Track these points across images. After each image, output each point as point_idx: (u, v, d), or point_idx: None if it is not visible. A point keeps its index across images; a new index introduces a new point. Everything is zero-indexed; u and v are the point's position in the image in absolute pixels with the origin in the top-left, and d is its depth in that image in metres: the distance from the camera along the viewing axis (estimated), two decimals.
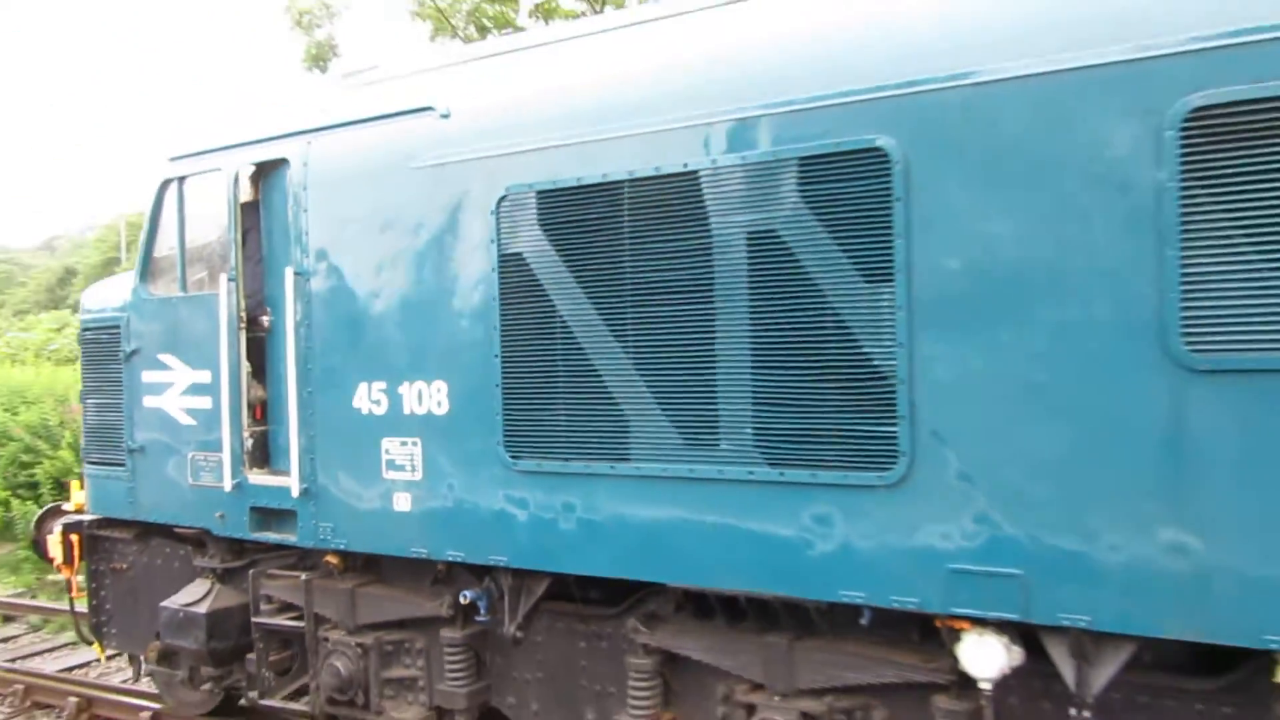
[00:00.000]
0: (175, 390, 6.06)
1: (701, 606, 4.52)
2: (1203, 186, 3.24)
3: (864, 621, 4.07)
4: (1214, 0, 3.26)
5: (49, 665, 8.53)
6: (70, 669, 8.38)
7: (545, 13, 16.92)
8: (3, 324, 38.13)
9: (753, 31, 4.24)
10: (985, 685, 3.73)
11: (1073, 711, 3.67)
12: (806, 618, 4.23)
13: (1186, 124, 3.24)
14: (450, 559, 4.96)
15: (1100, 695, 3.73)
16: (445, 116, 4.95)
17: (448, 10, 16.52)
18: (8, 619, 10.32)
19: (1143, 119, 3.32)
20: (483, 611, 5.08)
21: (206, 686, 6.30)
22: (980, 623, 3.70)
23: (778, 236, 3.99)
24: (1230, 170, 3.20)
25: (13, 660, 8.73)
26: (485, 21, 16.88)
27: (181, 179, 6.03)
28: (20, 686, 7.76)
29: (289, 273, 5.42)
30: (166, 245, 6.15)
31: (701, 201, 4.16)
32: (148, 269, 6.27)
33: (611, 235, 4.37)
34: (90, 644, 7.18)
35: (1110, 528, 3.41)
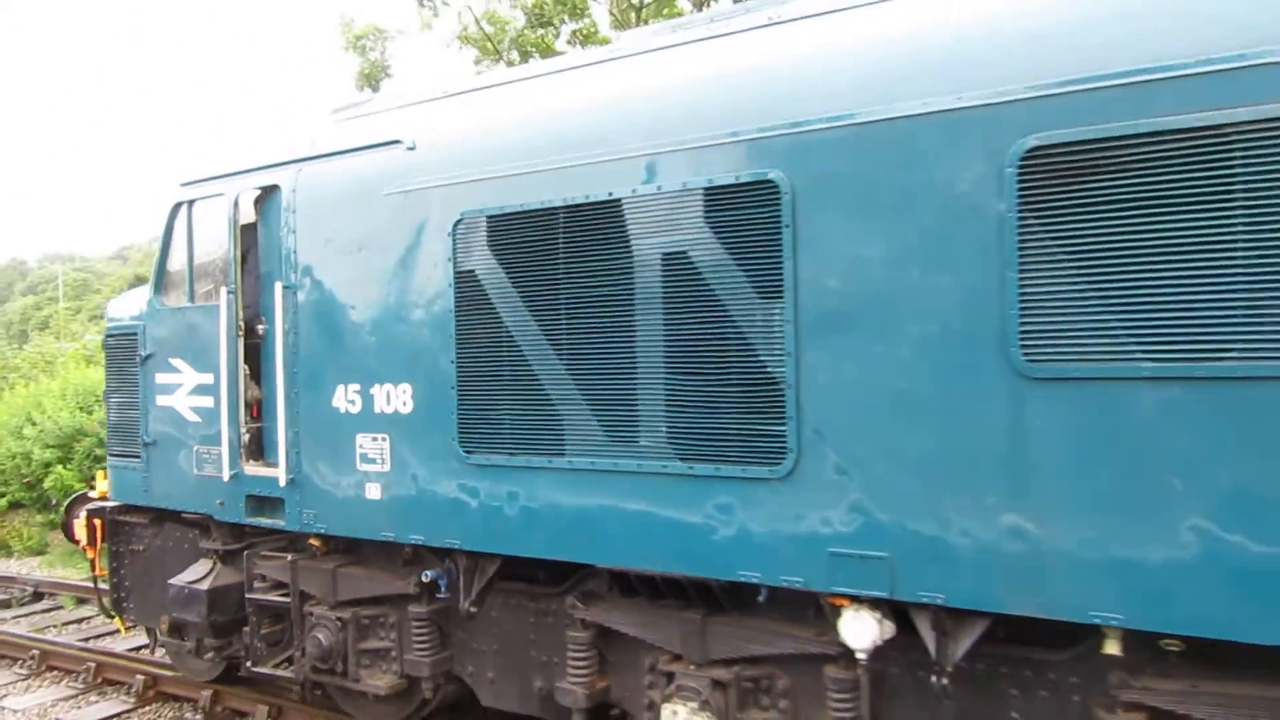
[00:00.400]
0: (183, 390, 6.72)
1: (631, 585, 5.05)
2: (1037, 217, 3.70)
3: (761, 599, 4.57)
4: (1047, 54, 3.72)
5: (119, 645, 9.07)
6: (138, 649, 8.76)
7: (583, 38, 17.51)
8: (79, 328, 39.88)
9: (667, 76, 4.77)
10: (861, 655, 4.22)
11: (934, 679, 4.15)
12: (728, 595, 4.74)
13: (1024, 162, 3.71)
14: (413, 542, 5.54)
15: (967, 666, 4.21)
16: (411, 149, 5.53)
17: (494, 37, 17.10)
18: (81, 601, 11.02)
19: (988, 157, 3.79)
20: (443, 589, 5.66)
21: (209, 656, 6.95)
22: (856, 600, 4.19)
23: (688, 258, 4.51)
24: (1060, 203, 3.66)
25: (85, 640, 9.30)
26: (529, 48, 17.43)
27: (190, 202, 6.69)
28: (92, 664, 8.27)
29: (278, 286, 6.04)
30: (178, 261, 6.82)
31: (624, 226, 4.69)
32: (161, 282, 6.94)
33: (549, 255, 4.92)
34: (112, 618, 7.88)
35: (961, 516, 3.88)
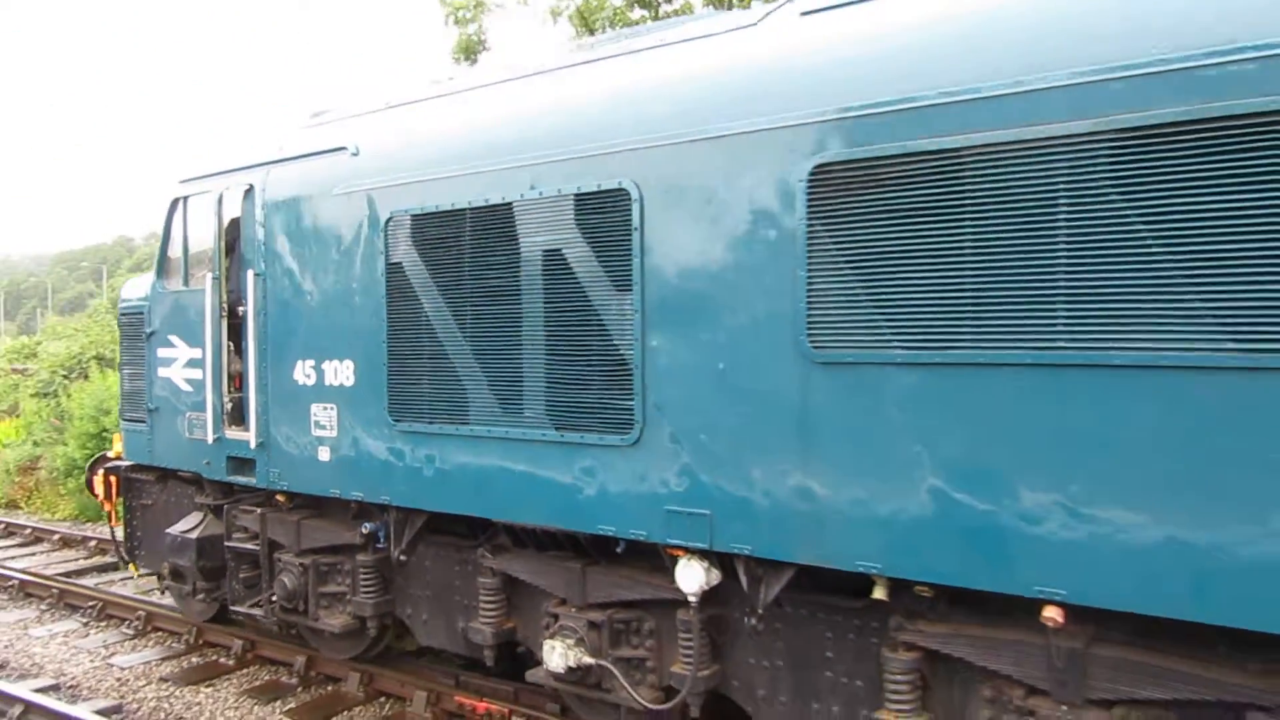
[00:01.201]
0: (179, 364, 7.70)
1: (537, 539, 5.82)
2: (821, 224, 4.32)
3: (619, 550, 5.30)
4: (828, 87, 4.33)
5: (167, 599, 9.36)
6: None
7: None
8: None
9: (550, 96, 5.48)
10: (692, 599, 4.92)
11: (749, 621, 4.83)
12: (605, 547, 5.47)
13: (811, 178, 4.33)
14: (354, 498, 6.40)
15: (785, 611, 4.89)
16: (355, 154, 6.35)
17: (588, 13, 16.61)
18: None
19: (785, 172, 4.42)
20: (380, 540, 6.51)
21: (200, 597, 7.95)
22: (688, 551, 4.89)
23: (561, 255, 5.23)
24: (838, 212, 4.27)
25: (146, 592, 9.89)
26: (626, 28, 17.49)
27: (185, 198, 7.64)
28: (194, 627, 8.48)
29: (250, 274, 6.94)
30: (176, 249, 7.78)
31: (514, 226, 5.42)
32: (163, 267, 7.92)
33: (458, 251, 5.69)
34: (127, 564, 8.97)
35: (763, 479, 4.54)
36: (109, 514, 8.96)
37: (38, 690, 7.17)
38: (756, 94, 4.58)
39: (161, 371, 7.88)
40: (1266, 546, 3.32)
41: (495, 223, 5.51)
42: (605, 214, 5.04)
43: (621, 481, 5.04)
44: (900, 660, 4.47)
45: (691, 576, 4.88)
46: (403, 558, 6.41)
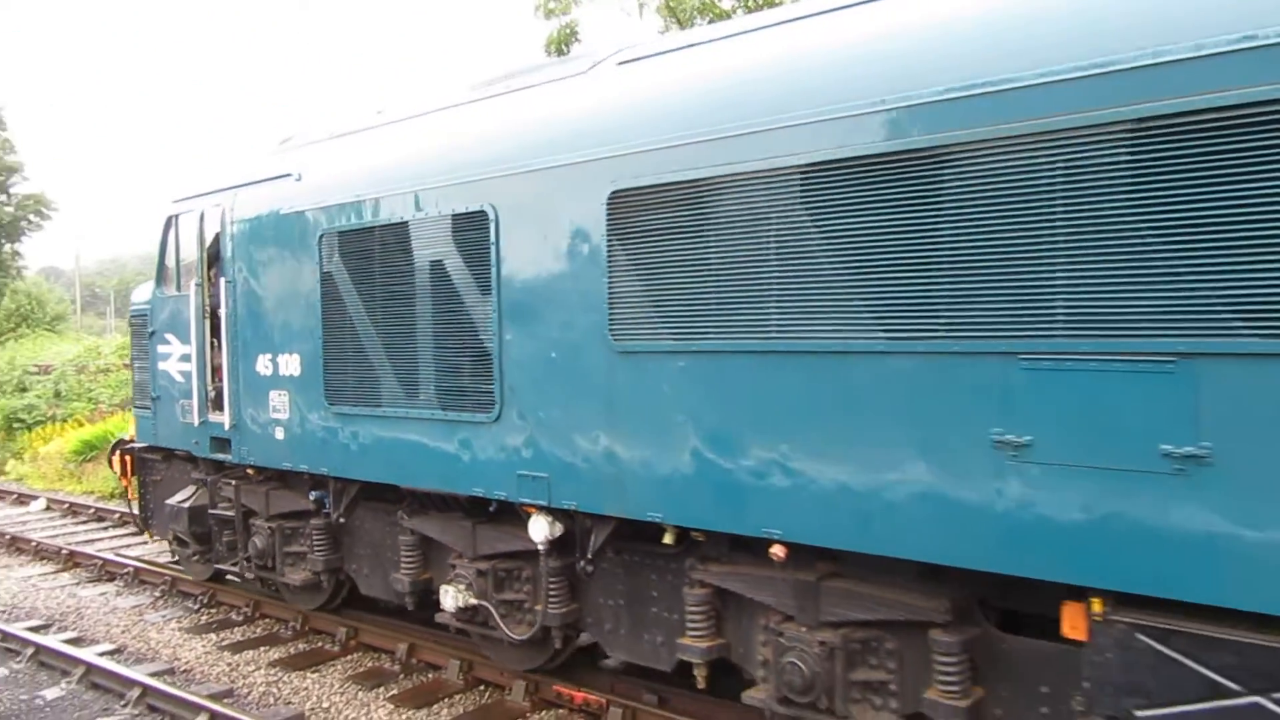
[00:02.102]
0: (174, 358, 9.03)
1: (438, 502, 6.94)
2: (618, 240, 5.33)
3: (492, 509, 6.39)
4: (622, 123, 5.33)
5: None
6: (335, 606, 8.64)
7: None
8: None
9: (437, 133, 6.59)
10: (541, 547, 5.99)
11: (581, 563, 5.88)
12: (490, 507, 6.56)
13: (611, 201, 5.34)
14: (303, 470, 7.61)
15: (622, 558, 5.93)
16: (298, 180, 7.54)
17: (676, 5, 16.35)
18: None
19: (593, 196, 5.43)
20: (327, 506, 7.72)
21: (195, 559, 9.30)
22: (536, 508, 5.96)
23: (443, 265, 6.32)
24: (628, 230, 5.28)
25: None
26: (714, 17, 17.45)
27: (176, 215, 8.96)
28: (301, 615, 8.68)
29: (223, 281, 8.21)
30: (170, 260, 9.11)
31: (410, 242, 6.54)
32: (161, 275, 9.26)
33: (371, 262, 6.83)
34: (143, 533, 10.40)
35: (584, 447, 5.57)
36: (126, 489, 10.40)
37: (154, 674, 7.47)
38: (579, 131, 5.60)
39: (161, 365, 9.24)
40: (901, 490, 4.26)
41: (397, 239, 6.64)
42: (472, 231, 6.12)
43: (487, 451, 6.13)
44: (695, 595, 5.47)
45: (538, 529, 5.95)
46: (342, 520, 7.62)
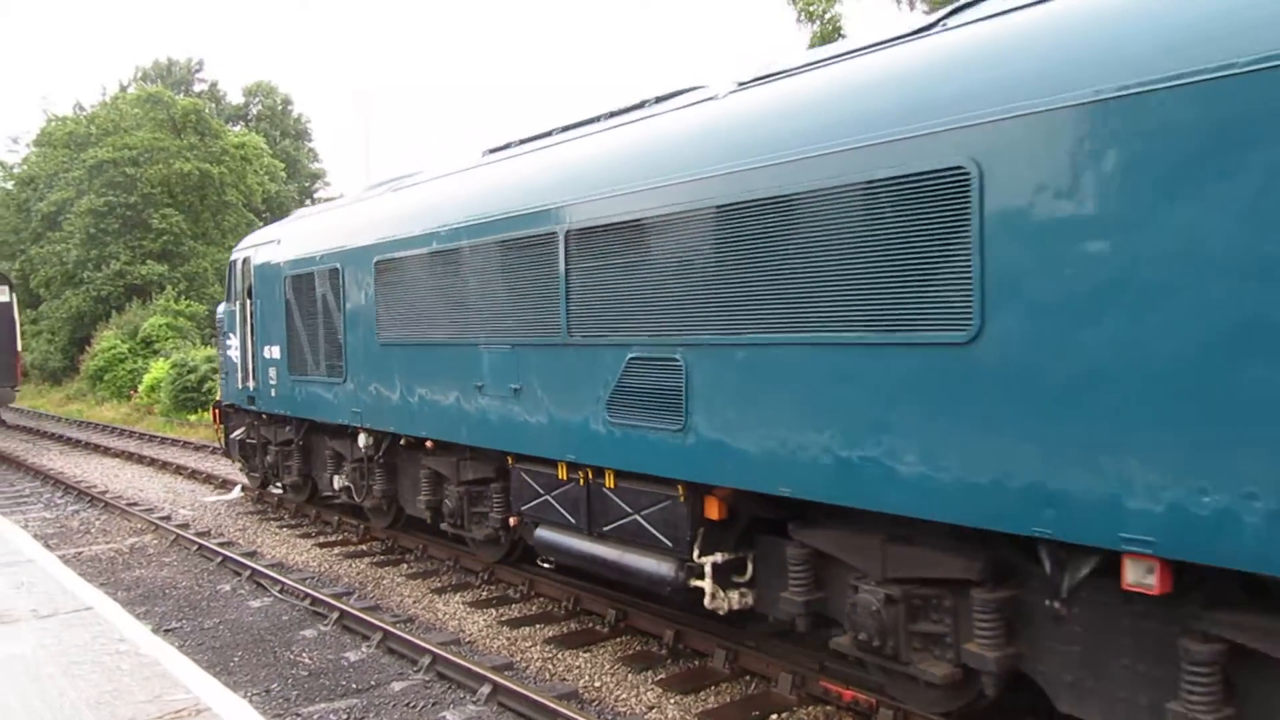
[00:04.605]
0: (234, 348, 14.68)
1: (341, 431, 12.10)
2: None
3: (349, 430, 11.45)
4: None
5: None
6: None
7: None
8: None
9: (337, 219, 11.67)
10: (367, 452, 10.97)
11: (380, 459, 10.80)
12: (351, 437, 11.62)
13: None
14: (282, 413, 12.95)
15: (396, 458, 10.83)
16: (279, 244, 12.86)
17: None
18: None
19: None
20: (299, 437, 13.05)
21: (252, 473, 14.96)
22: (362, 429, 10.95)
23: (326, 298, 11.37)
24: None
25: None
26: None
27: (234, 260, 14.60)
28: (574, 595, 9.03)
29: (249, 302, 13.71)
30: (234, 288, 14.77)
31: (314, 283, 11.64)
32: (229, 295, 14.95)
33: (301, 293, 12.00)
34: (231, 460, 16.24)
35: (374, 397, 10.45)
36: (217, 430, 16.31)
37: (441, 644, 7.86)
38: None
39: (227, 352, 14.95)
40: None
41: (307, 281, 11.78)
42: (333, 280, 11.13)
43: (341, 398, 11.15)
44: None
45: (361, 441, 10.92)
46: (301, 443, 12.94)
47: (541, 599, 9.38)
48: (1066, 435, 4.34)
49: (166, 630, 8.73)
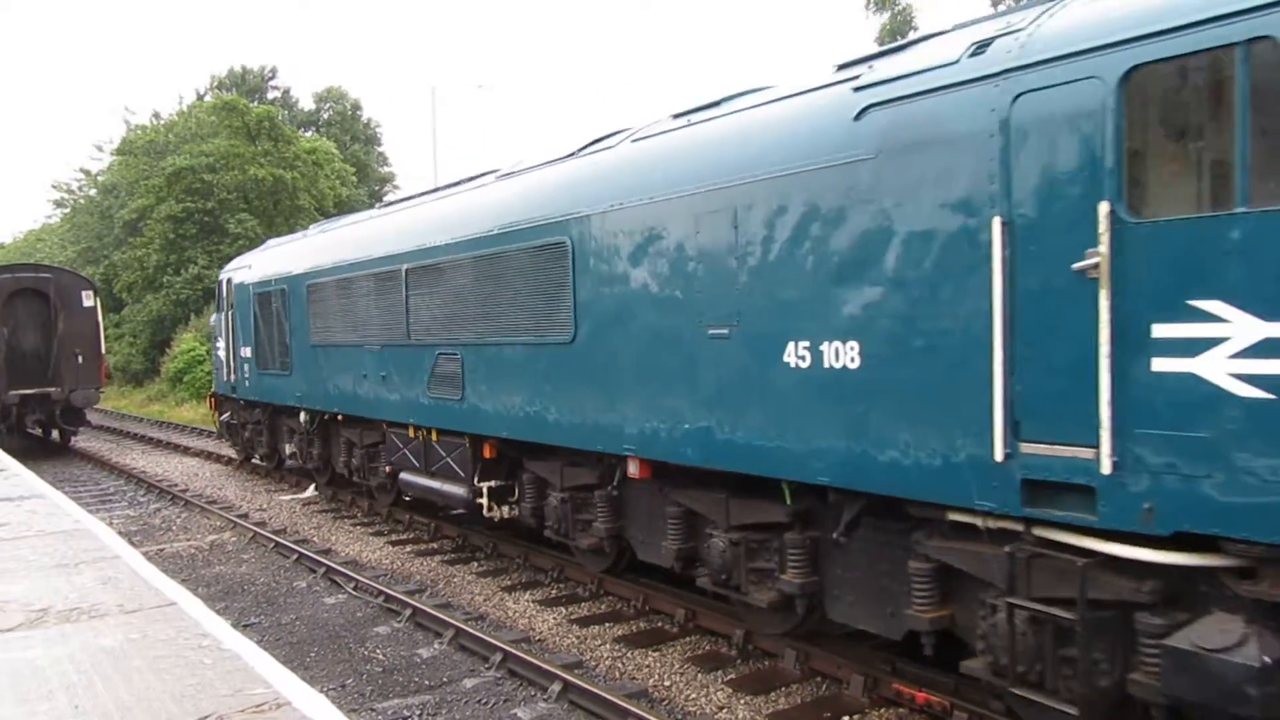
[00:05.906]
0: (221, 348, 18.47)
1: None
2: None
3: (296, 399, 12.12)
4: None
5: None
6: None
7: None
8: None
9: (295, 249, 15.50)
10: (306, 425, 13.39)
11: (310, 429, 13.28)
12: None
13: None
14: (255, 399, 16.74)
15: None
16: (250, 269, 16.66)
17: None
18: None
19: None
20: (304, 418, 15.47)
21: (237, 449, 18.60)
22: (303, 409, 13.98)
23: (275, 309, 14.90)
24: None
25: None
26: None
27: (220, 279, 18.19)
28: (643, 595, 8.95)
29: (230, 313, 17.46)
30: (223, 302, 17.62)
31: (271, 300, 15.22)
32: (218, 305, 18.66)
33: (270, 307, 15.38)
34: (226, 441, 19.19)
35: (307, 383, 12.54)
36: (214, 415, 19.82)
37: (512, 642, 7.83)
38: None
39: (218, 352, 18.63)
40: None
41: (267, 298, 15.36)
42: (280, 297, 14.03)
43: (289, 386, 14.74)
44: None
45: (302, 418, 14.61)
46: (267, 423, 16.77)
47: (610, 598, 9.36)
48: (608, 391, 7.83)
49: (245, 625, 8.91)
